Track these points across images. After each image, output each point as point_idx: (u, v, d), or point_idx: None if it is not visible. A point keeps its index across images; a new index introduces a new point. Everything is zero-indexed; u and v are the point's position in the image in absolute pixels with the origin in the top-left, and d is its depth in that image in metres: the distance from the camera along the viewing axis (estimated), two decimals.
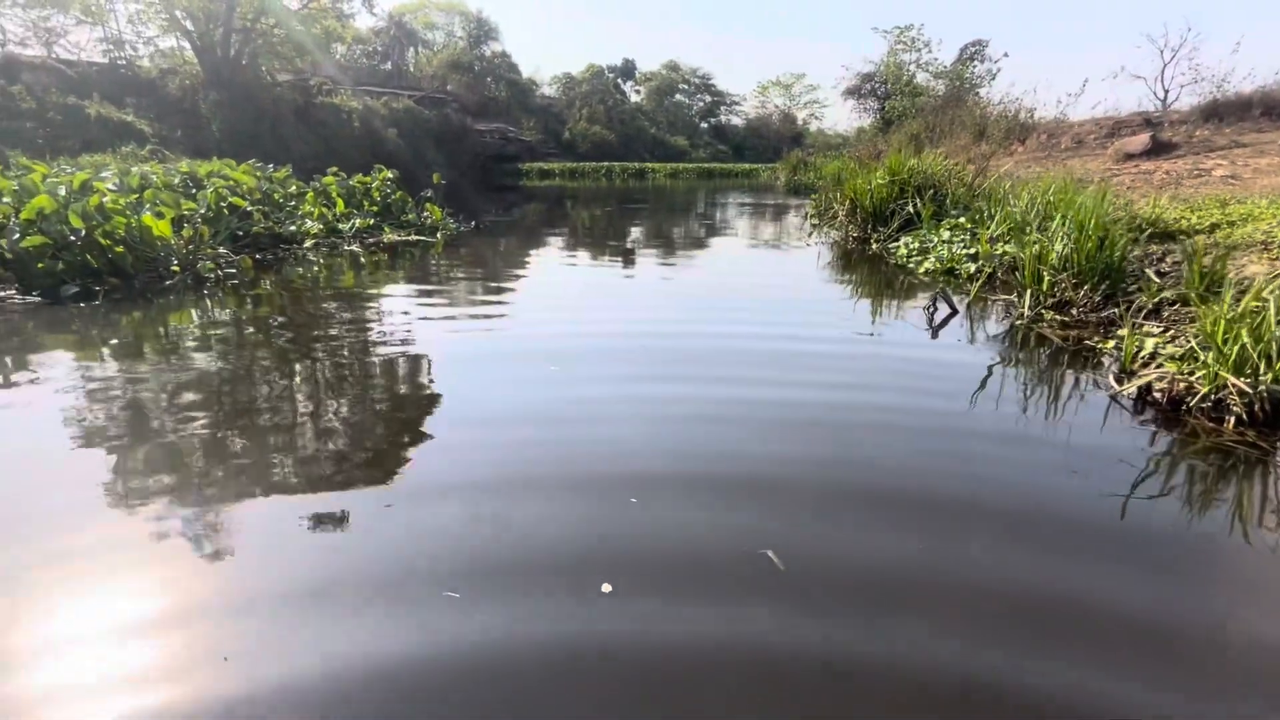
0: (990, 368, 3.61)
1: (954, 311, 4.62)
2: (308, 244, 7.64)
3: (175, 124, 24.00)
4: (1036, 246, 4.54)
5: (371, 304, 5.19)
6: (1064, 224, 4.86)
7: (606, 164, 35.66)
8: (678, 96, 51.34)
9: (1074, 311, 4.35)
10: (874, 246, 7.93)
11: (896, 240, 7.82)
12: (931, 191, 7.95)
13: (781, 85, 53.85)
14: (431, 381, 3.40)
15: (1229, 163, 11.72)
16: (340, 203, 8.59)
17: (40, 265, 5.25)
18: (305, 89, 27.48)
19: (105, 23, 28.12)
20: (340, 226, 8.26)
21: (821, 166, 20.22)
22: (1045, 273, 4.46)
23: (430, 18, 44.73)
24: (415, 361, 3.70)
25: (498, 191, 22.60)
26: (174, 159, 16.88)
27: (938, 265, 6.20)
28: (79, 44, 29.14)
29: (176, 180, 7.99)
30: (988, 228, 6.73)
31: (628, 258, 8.30)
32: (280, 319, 4.60)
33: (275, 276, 6.22)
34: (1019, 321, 4.31)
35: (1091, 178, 9.17)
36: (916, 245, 7.07)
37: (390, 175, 9.71)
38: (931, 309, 4.66)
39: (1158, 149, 14.12)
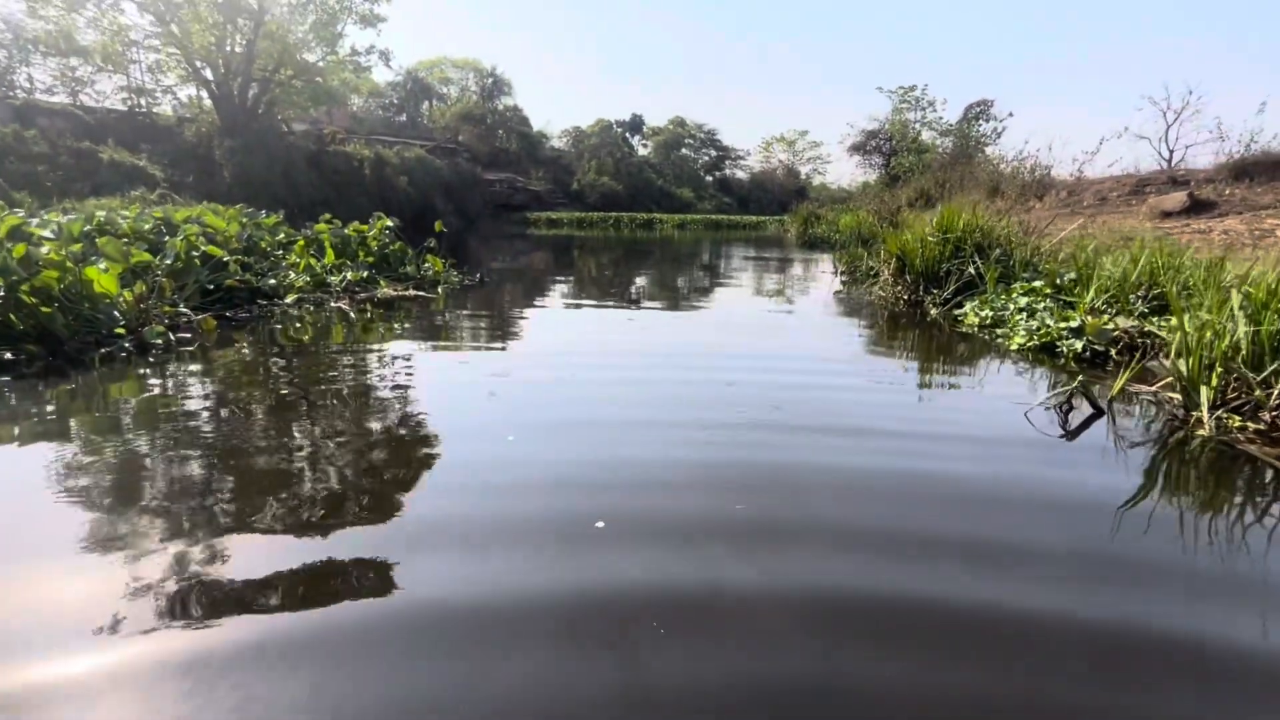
0: (1196, 507, 2.45)
1: (1099, 412, 3.46)
2: (289, 299, 6.55)
3: (189, 170, 23.49)
4: (1204, 329, 3.40)
5: (339, 380, 4.04)
6: (1210, 294, 3.76)
7: (614, 214, 35.16)
8: (684, 150, 51.50)
9: (1265, 416, 3.19)
10: (933, 312, 6.83)
11: (958, 305, 6.73)
12: (997, 251, 6.90)
13: (785, 141, 54.19)
14: (407, 502, 2.23)
15: None
16: (330, 253, 7.54)
17: None
18: (319, 137, 27.13)
19: (127, 71, 28.02)
20: (329, 279, 7.19)
21: (835, 220, 19.41)
22: (1217, 363, 3.32)
23: (446, 73, 45.15)
24: (391, 477, 2.54)
25: (506, 240, 21.77)
26: (183, 203, 16.12)
27: (1030, 340, 5.07)
28: (104, 92, 29.07)
29: (149, 226, 6.96)
30: (1076, 294, 5.64)
31: (647, 322, 7.20)
32: (218, 403, 3.46)
33: (242, 340, 5.10)
34: (1199, 432, 3.16)
35: (1141, 236, 8.16)
36: (989, 313, 5.97)
37: (390, 224, 8.70)
38: (1066, 407, 3.50)
39: (1196, 207, 13.21)
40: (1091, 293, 5.19)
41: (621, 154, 44.74)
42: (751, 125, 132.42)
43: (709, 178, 52.62)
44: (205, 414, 3.33)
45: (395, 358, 4.82)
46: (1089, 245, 6.51)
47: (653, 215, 36.50)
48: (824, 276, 11.67)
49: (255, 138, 23.73)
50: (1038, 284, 6.10)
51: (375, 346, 5.16)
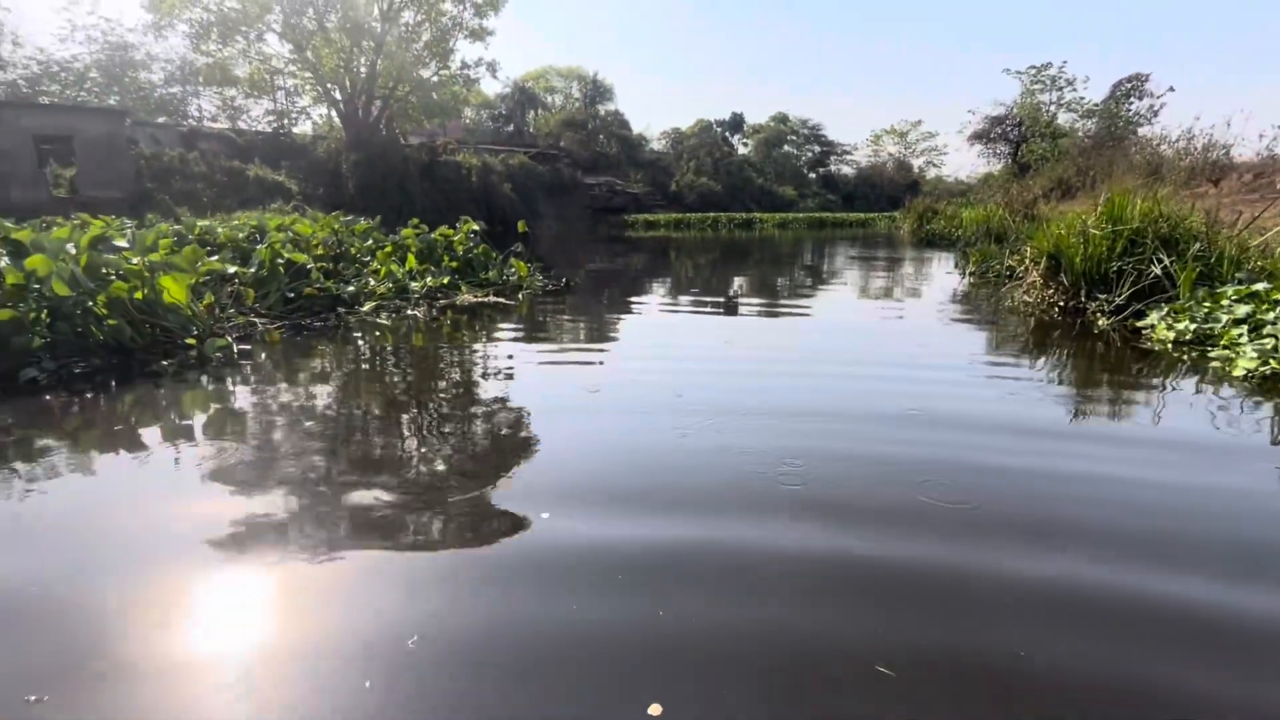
0: None
1: None
2: (367, 307, 6.26)
3: (320, 183, 25.16)
4: None
5: (391, 405, 3.50)
6: None
7: (713, 214, 34.11)
8: (786, 147, 49.38)
9: None
10: (1100, 321, 5.40)
11: (1137, 313, 5.27)
12: (1196, 246, 5.34)
13: (897, 133, 50.59)
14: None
15: None
16: (411, 259, 7.24)
17: (17, 341, 4.03)
18: (431, 149, 28.22)
19: (274, 96, 30.65)
20: (410, 285, 6.87)
21: (957, 214, 17.31)
22: None
23: (551, 82, 46.01)
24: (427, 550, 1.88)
25: (603, 242, 21.44)
26: (313, 214, 17.13)
27: (1264, 364, 3.68)
28: (255, 117, 32.08)
29: (244, 235, 6.96)
30: None
31: (756, 337, 6.29)
32: (256, 425, 2.99)
33: (305, 350, 4.77)
34: None
35: None
36: (1189, 325, 4.54)
37: (475, 227, 8.34)
38: None
39: None
40: None
41: (720, 154, 43.52)
42: (860, 120, 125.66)
43: (812, 174, 50.15)
44: (210, 437, 2.87)
45: (455, 370, 4.26)
46: None
47: (752, 215, 35.06)
48: (947, 277, 10.14)
49: (376, 151, 25.00)
50: (1260, 287, 4.58)
51: (438, 354, 4.65)
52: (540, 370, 4.44)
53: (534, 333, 5.88)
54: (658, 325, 6.46)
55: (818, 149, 50.73)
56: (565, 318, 6.64)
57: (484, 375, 4.26)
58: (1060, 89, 28.33)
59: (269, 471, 2.56)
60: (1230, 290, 4.73)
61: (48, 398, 3.56)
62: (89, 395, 3.65)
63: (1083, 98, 28.24)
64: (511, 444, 2.94)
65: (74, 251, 4.54)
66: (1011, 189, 18.13)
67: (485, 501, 2.31)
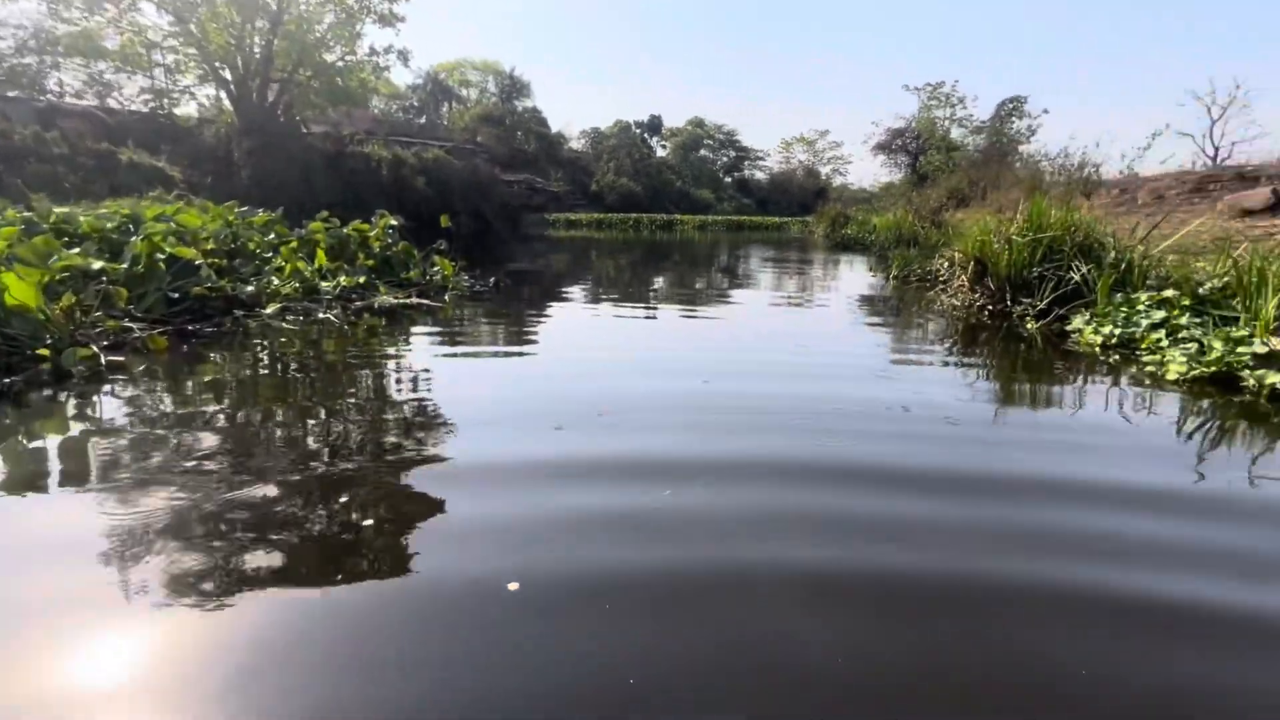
0: None
1: None
2: (270, 309, 5.48)
3: (208, 170, 22.81)
4: None
5: (299, 425, 2.94)
6: None
7: (634, 215, 33.99)
8: (702, 151, 50.17)
9: None
10: (1029, 325, 5.57)
11: (1059, 317, 5.47)
12: (1113, 254, 5.62)
13: (805, 141, 52.61)
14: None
15: None
16: (322, 256, 6.46)
17: None
18: (337, 139, 26.29)
19: (150, 72, 27.39)
20: (321, 285, 6.12)
21: (869, 220, 18.03)
22: None
23: (466, 76, 44.30)
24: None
25: (524, 241, 20.76)
26: (202, 203, 15.40)
27: (1195, 368, 3.82)
28: (130, 96, 28.50)
29: (113, 225, 5.94)
30: (1235, 308, 4.38)
31: (684, 331, 6.05)
32: (119, 458, 2.36)
33: (196, 361, 4.02)
34: None
35: (1235, 237, 6.88)
36: (1114, 329, 4.72)
37: (394, 222, 7.62)
38: None
39: None
40: (1274, 305, 3.92)
41: (640, 155, 43.56)
42: (771, 127, 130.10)
43: (728, 179, 51.23)
44: (61, 476, 2.24)
45: (379, 381, 3.71)
46: (1233, 248, 5.23)
47: (672, 216, 35.27)
48: (867, 280, 10.42)
49: (274, 138, 22.96)
50: (1169, 293, 4.84)
51: (357, 364, 4.06)
52: (476, 378, 3.96)
53: (463, 336, 5.35)
54: (597, 326, 6.09)
55: (733, 154, 51.92)
56: (498, 320, 6.13)
57: (412, 385, 3.73)
58: (953, 105, 30.38)
59: (127, 528, 1.98)
60: (1144, 296, 4.98)
61: None
62: None
63: (972, 115, 30.43)
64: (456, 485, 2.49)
65: None
66: (913, 198, 19.13)
67: (403, 552, 1.87)
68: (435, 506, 2.18)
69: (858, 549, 1.95)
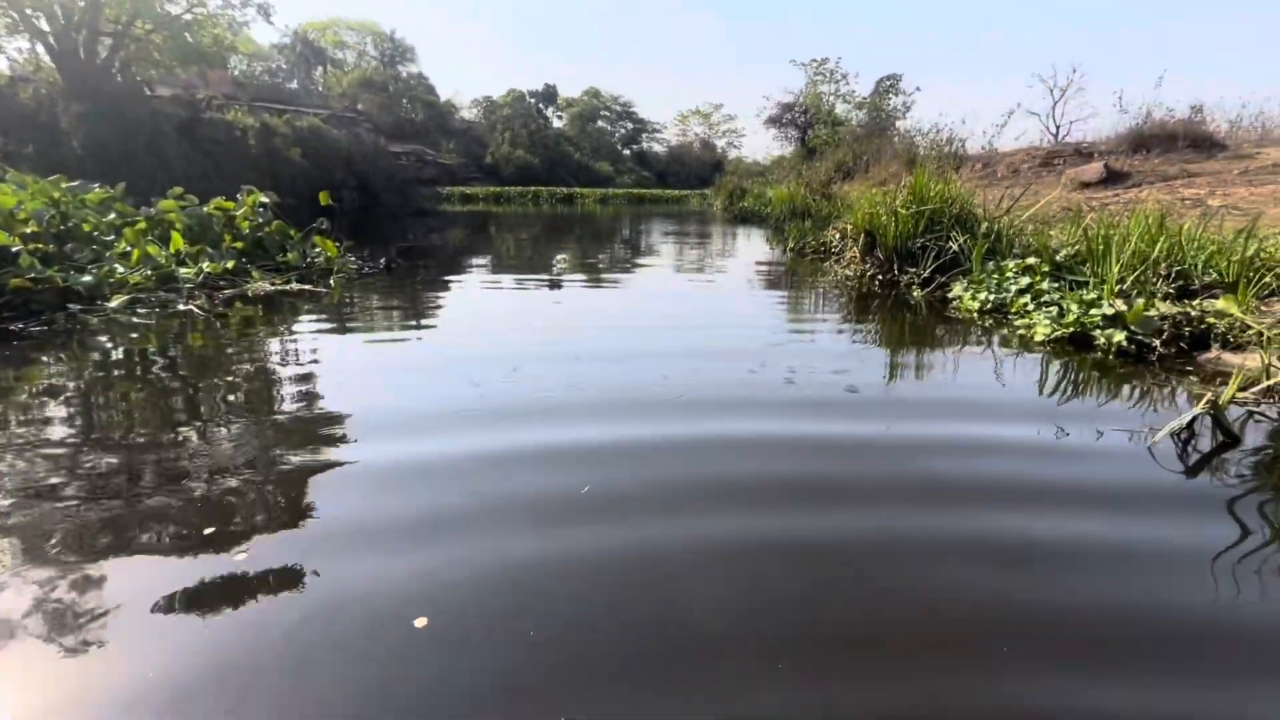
0: None
1: (1232, 440, 2.58)
2: (115, 302, 4.77)
3: (27, 138, 19.64)
4: None
5: (159, 447, 2.55)
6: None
7: (533, 189, 33.01)
8: (600, 123, 49.45)
9: None
10: (916, 294, 5.93)
11: (942, 285, 5.87)
12: (985, 225, 6.07)
13: (701, 114, 53.15)
14: None
15: (1208, 191, 10.77)
16: (178, 238, 5.69)
17: None
18: (191, 103, 23.35)
19: None
20: (180, 272, 5.40)
21: (764, 193, 18.54)
22: None
23: (340, 36, 40.65)
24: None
25: (416, 217, 19.61)
26: (18, 177, 13.19)
27: (1056, 329, 4.22)
28: None
29: None
30: (1085, 273, 4.87)
31: (620, 319, 5.92)
32: None
33: (26, 365, 3.40)
34: None
35: (1077, 207, 7.72)
36: (988, 296, 5.12)
37: (265, 199, 6.85)
38: (1185, 434, 2.59)
39: (1112, 178, 13.27)
40: (1116, 271, 4.39)
41: (536, 125, 42.23)
42: (667, 99, 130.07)
43: (626, 151, 50.93)
44: None
45: (259, 377, 3.31)
46: (1080, 218, 5.80)
47: (573, 190, 34.59)
48: (765, 251, 10.73)
49: (109, 102, 20.07)
50: (1032, 261, 5.31)
51: (229, 360, 3.60)
52: (369, 370, 3.65)
53: (352, 324, 4.93)
54: (498, 308, 5.82)
55: (630, 126, 51.55)
56: (390, 303, 5.70)
57: (298, 380, 3.37)
58: (837, 82, 31.65)
59: None
60: (1012, 264, 5.43)
61: None
62: None
63: (854, 91, 31.89)
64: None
65: None
66: (803, 171, 19.89)
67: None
68: (326, 512, 1.96)
69: (757, 512, 1.97)
